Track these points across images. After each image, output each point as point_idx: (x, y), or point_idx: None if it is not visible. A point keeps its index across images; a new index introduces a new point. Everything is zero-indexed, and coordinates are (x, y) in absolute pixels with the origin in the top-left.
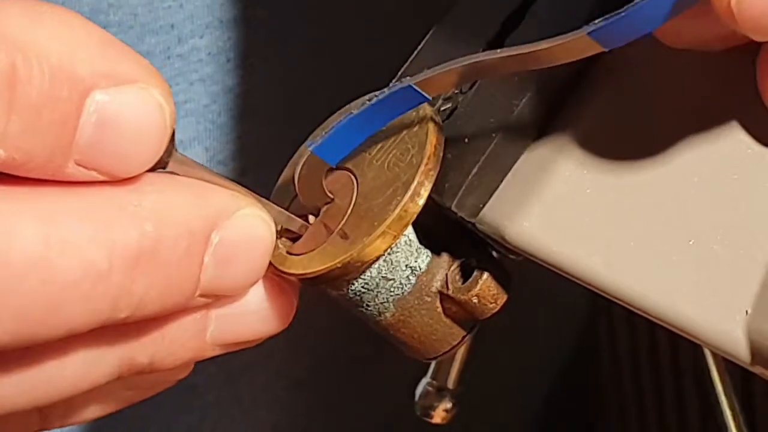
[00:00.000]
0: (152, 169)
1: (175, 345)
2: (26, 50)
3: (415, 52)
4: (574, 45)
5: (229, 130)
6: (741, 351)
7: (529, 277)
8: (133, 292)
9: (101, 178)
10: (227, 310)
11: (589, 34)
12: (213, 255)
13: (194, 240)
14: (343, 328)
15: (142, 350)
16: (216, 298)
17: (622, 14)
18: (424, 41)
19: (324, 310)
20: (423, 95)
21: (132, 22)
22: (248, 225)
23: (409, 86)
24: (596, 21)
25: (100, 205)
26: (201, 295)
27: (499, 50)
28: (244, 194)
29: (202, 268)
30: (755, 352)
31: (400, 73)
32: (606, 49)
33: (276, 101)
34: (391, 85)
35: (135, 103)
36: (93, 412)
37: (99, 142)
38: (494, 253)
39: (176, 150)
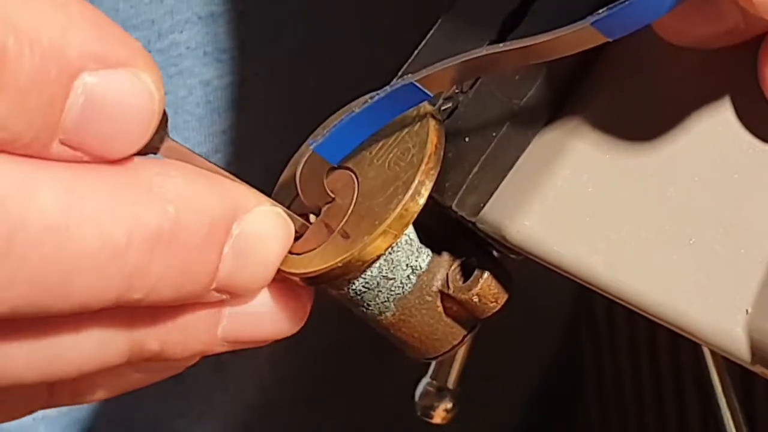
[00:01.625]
0: (142, 154)
1: (187, 336)
2: (18, 30)
3: (417, 51)
4: (578, 36)
5: (210, 123)
6: (741, 350)
7: (527, 275)
8: (150, 273)
9: (86, 158)
10: (240, 309)
11: (593, 24)
12: (233, 246)
13: (215, 228)
14: (332, 314)
15: (153, 337)
16: (230, 294)
17: (626, 3)
18: (425, 40)
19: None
20: (425, 92)
21: (113, 17)
22: (267, 221)
23: (411, 83)
24: (600, 11)
25: (124, 182)
26: (216, 289)
27: (501, 44)
28: (258, 192)
29: (222, 258)
30: (756, 351)
31: (401, 72)
32: (610, 39)
33: (259, 96)
34: (392, 83)
35: (124, 86)
36: (101, 392)
37: (84, 124)
38: (495, 253)
39: (170, 137)
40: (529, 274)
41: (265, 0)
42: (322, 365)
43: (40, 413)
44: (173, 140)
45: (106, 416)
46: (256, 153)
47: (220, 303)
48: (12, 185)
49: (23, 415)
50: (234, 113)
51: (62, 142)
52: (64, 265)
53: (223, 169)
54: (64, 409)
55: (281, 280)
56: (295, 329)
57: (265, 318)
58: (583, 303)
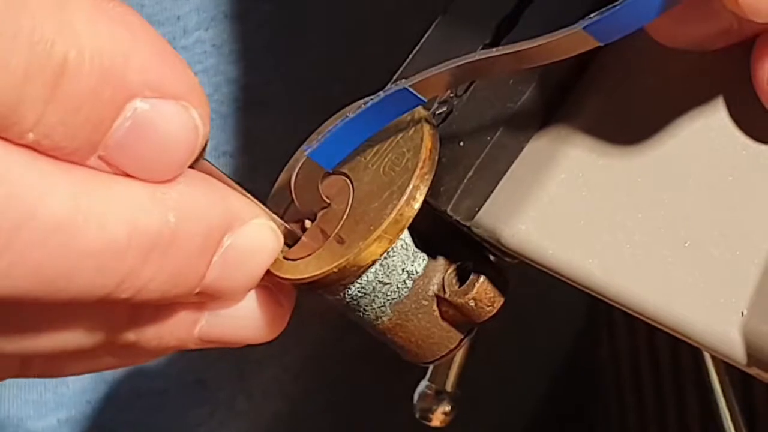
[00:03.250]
0: None
1: (163, 332)
2: (82, 44)
3: (410, 56)
4: (570, 40)
5: (236, 122)
6: (737, 352)
7: (527, 277)
8: (141, 276)
9: (119, 173)
10: (220, 312)
11: (584, 28)
12: (222, 257)
13: (209, 239)
14: (355, 324)
15: (130, 329)
16: (211, 298)
17: (618, 7)
18: (419, 45)
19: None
20: (419, 97)
21: (138, 13)
22: (259, 234)
23: (405, 89)
24: (591, 15)
25: (131, 186)
26: (199, 293)
27: (494, 49)
28: (256, 204)
29: (210, 267)
30: (751, 353)
31: (395, 77)
32: (602, 44)
33: (284, 95)
34: (386, 87)
35: (172, 118)
36: (71, 369)
37: (127, 146)
38: (491, 256)
39: (204, 158)
40: (531, 279)
41: (292, 0)
42: (344, 374)
43: (63, 415)
44: (207, 161)
45: (128, 421)
46: (282, 154)
47: (200, 305)
48: (28, 180)
49: None
50: (260, 113)
51: (100, 158)
52: (67, 261)
53: (239, 171)
54: (86, 413)
55: (264, 287)
56: (272, 336)
57: (243, 323)
58: (587, 306)
